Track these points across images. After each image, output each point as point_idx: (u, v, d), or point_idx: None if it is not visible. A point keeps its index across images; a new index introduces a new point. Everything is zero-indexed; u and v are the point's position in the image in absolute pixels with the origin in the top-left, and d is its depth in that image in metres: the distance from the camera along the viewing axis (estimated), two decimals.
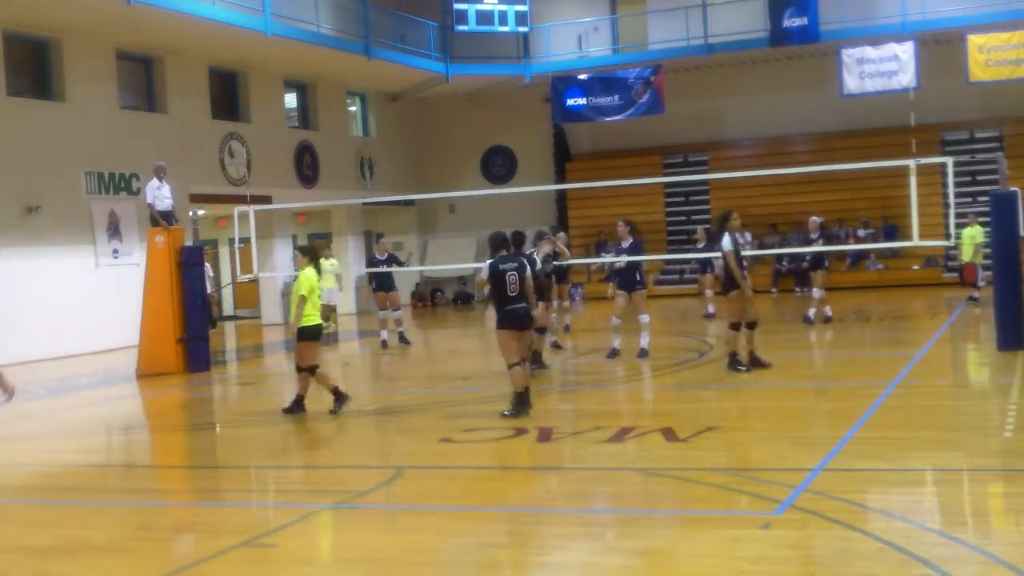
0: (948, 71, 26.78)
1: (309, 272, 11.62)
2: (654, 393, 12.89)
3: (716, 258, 15.58)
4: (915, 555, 5.56)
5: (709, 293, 21.12)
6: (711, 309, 20.89)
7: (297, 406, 11.71)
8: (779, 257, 27.34)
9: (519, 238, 12.35)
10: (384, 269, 19.00)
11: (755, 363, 13.02)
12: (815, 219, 19.28)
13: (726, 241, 12.88)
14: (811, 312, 18.74)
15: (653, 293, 27.96)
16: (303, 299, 11.48)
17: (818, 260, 18.89)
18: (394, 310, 19.22)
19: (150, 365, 16.75)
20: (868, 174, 25.06)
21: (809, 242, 18.92)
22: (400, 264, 20.04)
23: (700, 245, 22.02)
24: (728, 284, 13.02)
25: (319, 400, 14.55)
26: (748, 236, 24.78)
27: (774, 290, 26.49)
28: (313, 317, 11.56)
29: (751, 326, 13.00)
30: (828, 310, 18.77)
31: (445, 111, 33.23)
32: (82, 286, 21.48)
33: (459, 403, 12.35)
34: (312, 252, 12.06)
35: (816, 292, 18.69)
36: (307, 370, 11.65)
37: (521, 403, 10.73)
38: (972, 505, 6.98)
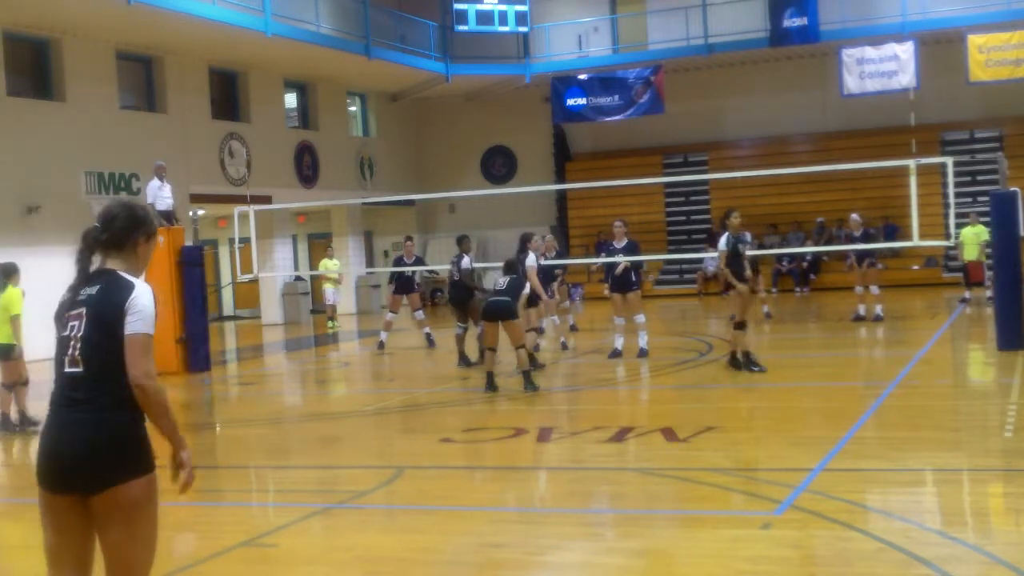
0: (948, 71, 26.77)
1: (13, 292, 11.75)
2: (654, 393, 12.89)
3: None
4: (915, 555, 5.56)
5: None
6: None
7: (25, 423, 11.80)
8: (779, 257, 27.33)
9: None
10: (410, 269, 18.57)
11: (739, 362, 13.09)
12: (856, 217, 18.95)
13: (722, 241, 12.92)
14: (862, 308, 18.59)
15: (654, 293, 28.02)
16: (17, 318, 11.66)
17: (861, 257, 18.60)
18: (415, 311, 18.87)
19: None
20: (868, 174, 25.04)
21: (854, 240, 18.75)
22: (424, 265, 19.66)
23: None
24: (727, 283, 13.05)
25: (318, 400, 14.56)
26: (748, 236, 24.72)
27: (774, 290, 26.49)
28: (6, 335, 11.71)
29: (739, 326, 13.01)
30: (863, 308, 18.70)
31: (445, 111, 33.24)
32: None
33: (459, 403, 12.36)
34: (7, 272, 12.04)
35: (861, 289, 18.54)
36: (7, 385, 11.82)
37: (488, 382, 12.31)
38: (972, 505, 6.99)
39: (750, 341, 13.34)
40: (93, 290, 3.92)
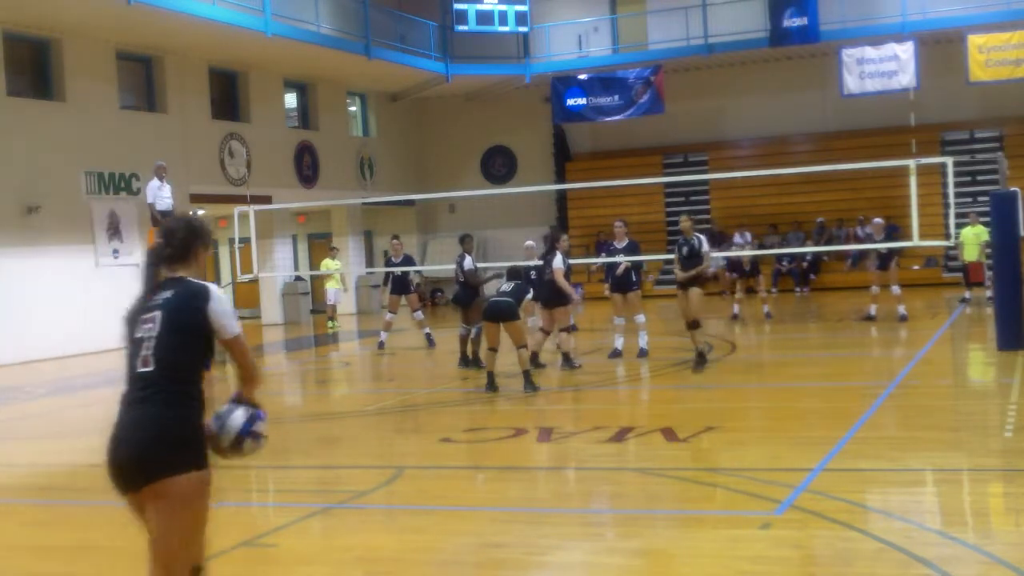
0: (948, 71, 26.77)
1: None
2: (654, 393, 12.89)
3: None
4: (915, 555, 5.56)
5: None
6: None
7: None
8: (779, 257, 27.33)
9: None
10: (399, 269, 18.55)
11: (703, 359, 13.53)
12: (879, 221, 18.77)
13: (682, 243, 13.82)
14: (873, 309, 18.33)
15: (654, 293, 28.00)
16: None
17: (885, 258, 18.33)
18: (413, 311, 18.78)
19: None
20: (868, 174, 25.03)
21: (861, 243, 18.65)
22: (414, 264, 19.63)
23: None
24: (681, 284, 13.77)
25: (318, 400, 14.57)
26: (748, 236, 24.80)
27: (774, 290, 26.49)
28: None
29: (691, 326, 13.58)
30: (874, 308, 18.45)
31: (445, 111, 33.24)
32: (82, 286, 21.47)
33: (459, 403, 12.36)
34: None
35: (877, 289, 18.34)
36: None
37: (488, 382, 12.33)
38: (972, 505, 6.99)
39: (701, 340, 13.65)
40: (168, 294, 4.22)
